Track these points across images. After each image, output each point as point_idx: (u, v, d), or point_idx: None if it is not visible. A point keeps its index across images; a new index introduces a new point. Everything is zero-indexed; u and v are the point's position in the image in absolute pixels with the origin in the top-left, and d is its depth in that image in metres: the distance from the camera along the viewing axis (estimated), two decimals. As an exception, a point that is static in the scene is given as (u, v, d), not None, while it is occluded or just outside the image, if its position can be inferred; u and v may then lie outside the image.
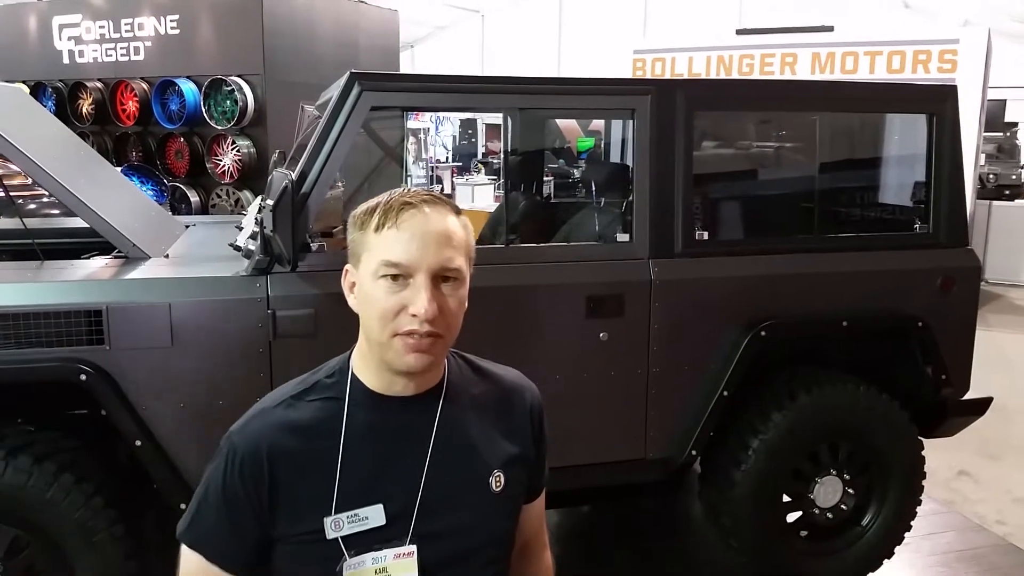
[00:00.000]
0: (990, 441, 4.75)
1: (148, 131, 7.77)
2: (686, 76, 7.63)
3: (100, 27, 7.87)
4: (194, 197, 7.54)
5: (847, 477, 3.13)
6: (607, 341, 2.86)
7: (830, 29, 8.05)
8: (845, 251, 3.14)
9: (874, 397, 3.09)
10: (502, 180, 3.46)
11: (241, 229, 3.18)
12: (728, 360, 2.95)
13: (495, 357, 2.74)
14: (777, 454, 3.00)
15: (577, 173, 4.63)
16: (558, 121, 4.81)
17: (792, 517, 3.14)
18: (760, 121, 3.90)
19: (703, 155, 3.50)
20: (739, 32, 8.11)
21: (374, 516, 1.21)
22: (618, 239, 2.95)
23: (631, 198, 2.92)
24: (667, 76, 7.62)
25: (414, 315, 1.17)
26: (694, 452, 3.00)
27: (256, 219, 2.72)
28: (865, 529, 3.19)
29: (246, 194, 7.36)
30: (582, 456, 2.96)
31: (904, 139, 3.67)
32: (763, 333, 2.93)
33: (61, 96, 7.90)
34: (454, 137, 14.10)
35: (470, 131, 14.02)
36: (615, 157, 4.55)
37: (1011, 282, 9.96)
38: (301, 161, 2.66)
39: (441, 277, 1.20)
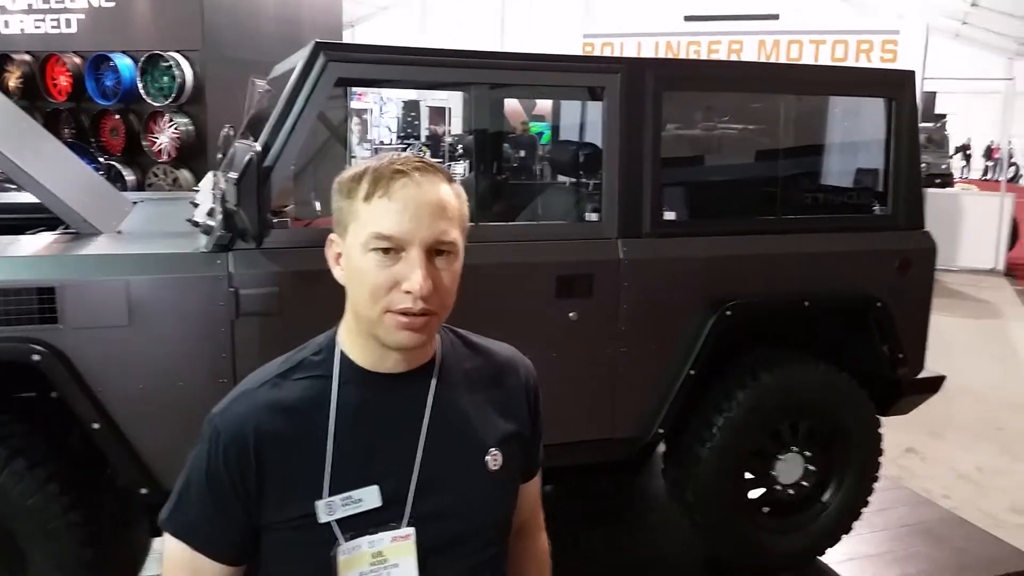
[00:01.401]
0: (934, 420, 4.91)
1: (81, 107, 7.44)
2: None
3: (28, -3, 7.50)
4: (130, 176, 7.26)
5: (808, 454, 3.18)
6: (576, 321, 2.84)
7: (775, 17, 8.19)
8: (807, 232, 3.18)
9: (834, 376, 3.15)
10: (450, 157, 3.40)
11: (196, 205, 3.06)
12: (695, 339, 2.96)
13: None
14: (740, 432, 3.03)
15: (532, 158, 4.61)
16: (504, 107, 4.78)
17: (755, 494, 3.19)
18: (726, 102, 3.93)
19: (671, 136, 3.51)
20: (687, 18, 8.19)
21: (369, 498, 1.15)
22: (587, 219, 2.93)
23: (600, 178, 2.90)
24: (616, 60, 7.66)
25: (407, 292, 1.10)
26: (661, 431, 3.01)
27: (215, 194, 2.62)
28: (825, 505, 3.25)
29: (184, 173, 7.13)
30: (549, 436, 2.90)
31: (864, 123, 3.74)
32: (728, 313, 2.95)
33: (-14, 69, 7.52)
34: (398, 119, 13.93)
35: (413, 113, 13.87)
36: (567, 140, 4.53)
37: (945, 267, 10.33)
38: (264, 133, 2.56)
39: (435, 251, 1.13)
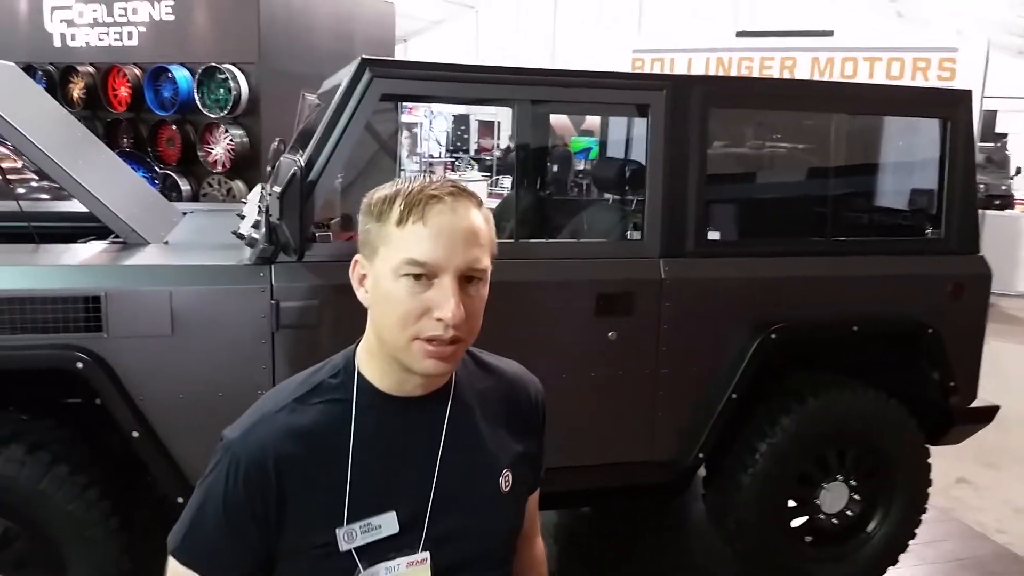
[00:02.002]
0: (988, 450, 4.74)
1: (140, 118, 7.64)
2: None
3: (93, 10, 7.73)
4: (185, 185, 7.42)
5: (853, 483, 3.09)
6: (616, 340, 2.81)
7: (830, 34, 8.05)
8: (857, 255, 3.10)
9: (882, 403, 3.06)
10: (504, 172, 3.39)
11: (243, 217, 3.10)
12: (737, 362, 2.91)
13: (502, 354, 2.69)
14: (784, 458, 2.96)
15: (572, 173, 4.59)
16: (552, 122, 4.76)
17: (797, 522, 3.10)
18: (774, 121, 3.86)
19: (717, 154, 3.46)
20: (739, 34, 8.09)
21: (387, 524, 1.14)
22: (629, 237, 2.89)
23: (643, 195, 2.87)
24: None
25: (439, 319, 1.08)
26: (701, 455, 2.95)
27: (260, 207, 2.65)
28: (870, 535, 3.16)
29: (238, 184, 7.26)
30: (587, 456, 2.91)
31: (918, 143, 3.64)
32: (773, 336, 2.89)
33: (52, 80, 7.75)
34: (447, 133, 14.01)
35: (463, 127, 13.95)
36: (613, 156, 4.49)
37: (1003, 292, 10.00)
38: (309, 148, 2.59)
39: (466, 278, 1.11)
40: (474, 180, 10.96)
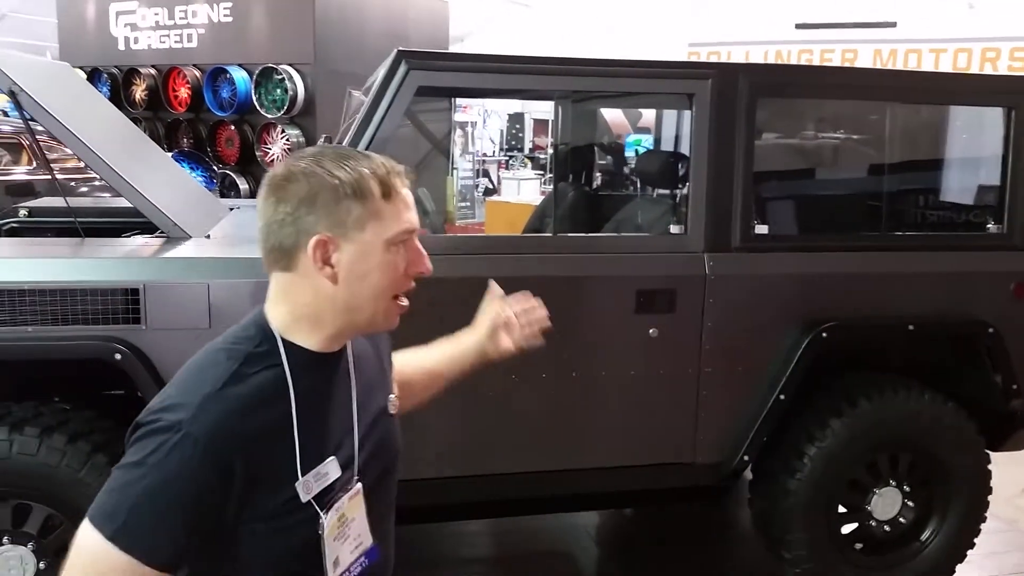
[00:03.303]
0: (1057, 458, 4.51)
1: (200, 118, 7.82)
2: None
3: (155, 14, 7.95)
4: (243, 184, 7.57)
5: (907, 489, 2.97)
6: (657, 338, 2.74)
7: (892, 25, 7.79)
8: (912, 251, 2.97)
9: (939, 406, 2.92)
10: (551, 169, 3.36)
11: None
12: (786, 362, 2.81)
13: (539, 350, 2.64)
14: (834, 463, 2.85)
15: (626, 169, 4.51)
16: (608, 118, 4.70)
17: (847, 529, 2.99)
18: (826, 111, 3.73)
19: (765, 145, 3.35)
20: (799, 26, 7.88)
21: (332, 469, 1.23)
22: (671, 231, 2.82)
23: (686, 189, 2.79)
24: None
25: (419, 273, 1.25)
26: (747, 458, 2.86)
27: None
28: (924, 544, 3.02)
29: (293, 182, 7.36)
30: (627, 457, 2.85)
31: (980, 134, 3.48)
32: (824, 335, 2.78)
33: (116, 82, 7.99)
34: (501, 131, 14.02)
35: (517, 126, 13.93)
36: (644, 159, 4.40)
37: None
38: (346, 141, 2.59)
39: None
40: (527, 178, 10.94)
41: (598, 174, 4.32)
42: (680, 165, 3.26)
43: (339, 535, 1.25)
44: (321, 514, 1.20)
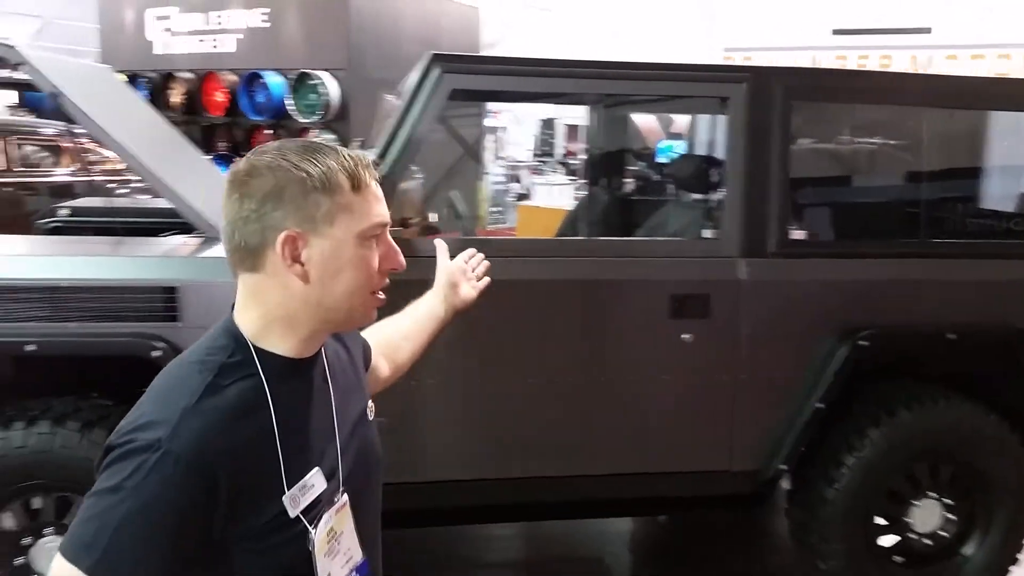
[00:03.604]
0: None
1: (236, 122, 7.90)
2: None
3: (192, 19, 8.05)
4: (277, 188, 7.64)
5: (948, 501, 2.90)
6: (691, 343, 2.71)
7: (927, 31, 7.69)
8: (952, 258, 2.91)
9: (980, 417, 2.85)
10: (584, 173, 3.36)
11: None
12: (823, 370, 2.76)
13: (571, 354, 2.61)
14: (872, 473, 2.79)
15: (658, 175, 4.49)
16: (641, 124, 4.68)
17: (887, 541, 2.93)
18: (862, 116, 3.68)
19: (800, 149, 3.31)
20: (836, 32, 7.80)
21: (318, 481, 1.18)
22: (706, 235, 2.79)
23: (721, 192, 2.77)
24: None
25: (392, 268, 1.20)
26: (784, 466, 2.82)
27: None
28: (967, 559, 2.95)
29: (327, 188, 7.42)
30: (660, 463, 2.82)
31: (1020, 140, 3.40)
32: (863, 343, 2.73)
33: (153, 86, 8.11)
34: (534, 137, 14.02)
35: (549, 131, 13.93)
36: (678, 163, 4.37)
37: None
38: (380, 143, 2.60)
39: None
40: (559, 184, 10.91)
41: (631, 179, 4.30)
42: (714, 169, 3.24)
43: (329, 550, 1.19)
44: (310, 529, 1.15)
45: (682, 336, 2.69)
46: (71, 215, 3.42)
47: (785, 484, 3.03)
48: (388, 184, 2.54)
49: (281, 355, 1.16)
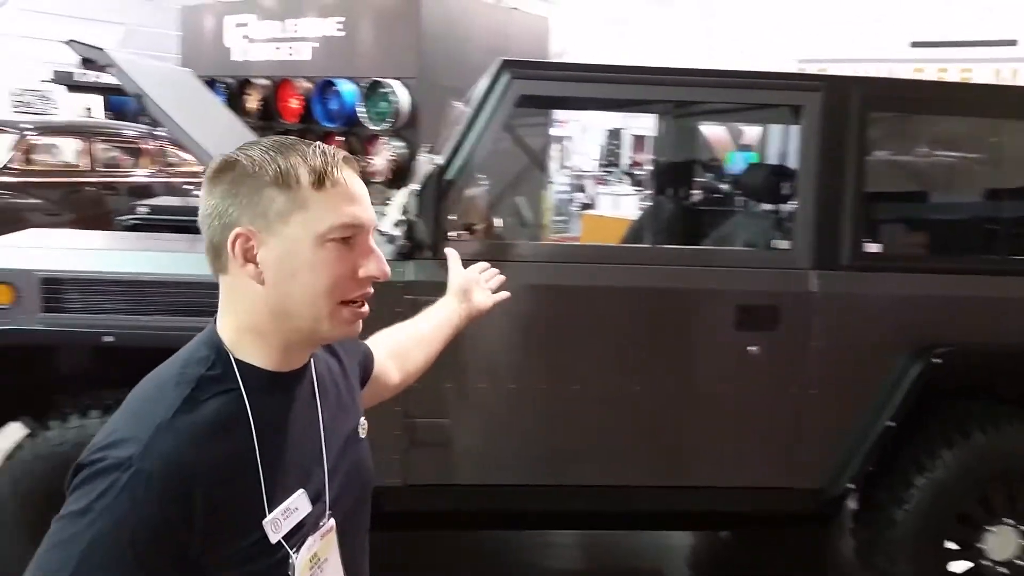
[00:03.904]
0: None
1: (310, 129, 8.05)
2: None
3: (269, 26, 8.25)
4: (345, 193, 7.77)
5: (1026, 529, 2.78)
6: (757, 356, 2.66)
7: (1012, 43, 7.42)
8: (1036, 275, 2.79)
9: (1062, 441, 2.73)
10: (651, 182, 3.33)
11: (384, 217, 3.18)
12: (895, 387, 2.68)
13: (634, 361, 2.59)
14: (944, 495, 2.70)
15: (726, 185, 4.43)
16: (709, 136, 4.63)
17: (958, 567, 2.82)
18: (943, 128, 3.57)
19: (877, 160, 3.23)
20: (914, 44, 7.59)
21: (302, 504, 1.10)
22: (776, 246, 2.74)
23: (791, 203, 2.72)
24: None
25: (372, 276, 1.08)
26: (850, 485, 2.74)
27: (401, 206, 2.71)
28: (1046, 590, 2.82)
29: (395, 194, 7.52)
30: (722, 477, 2.78)
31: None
32: (938, 360, 2.64)
33: (231, 92, 8.33)
34: (601, 147, 14.00)
35: (615, 142, 13.88)
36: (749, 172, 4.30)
37: None
38: (447, 148, 2.62)
39: None
40: (625, 194, 10.86)
41: (698, 190, 4.25)
42: (785, 179, 3.18)
43: None
44: (292, 554, 1.06)
45: (748, 348, 2.64)
46: (150, 213, 3.54)
47: (852, 503, 2.95)
48: (453, 189, 2.58)
49: (262, 368, 1.08)
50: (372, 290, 1.10)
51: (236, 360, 1.07)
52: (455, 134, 2.62)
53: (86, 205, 8.04)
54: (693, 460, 2.75)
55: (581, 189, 12.19)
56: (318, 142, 1.11)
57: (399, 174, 7.45)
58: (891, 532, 2.74)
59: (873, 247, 2.77)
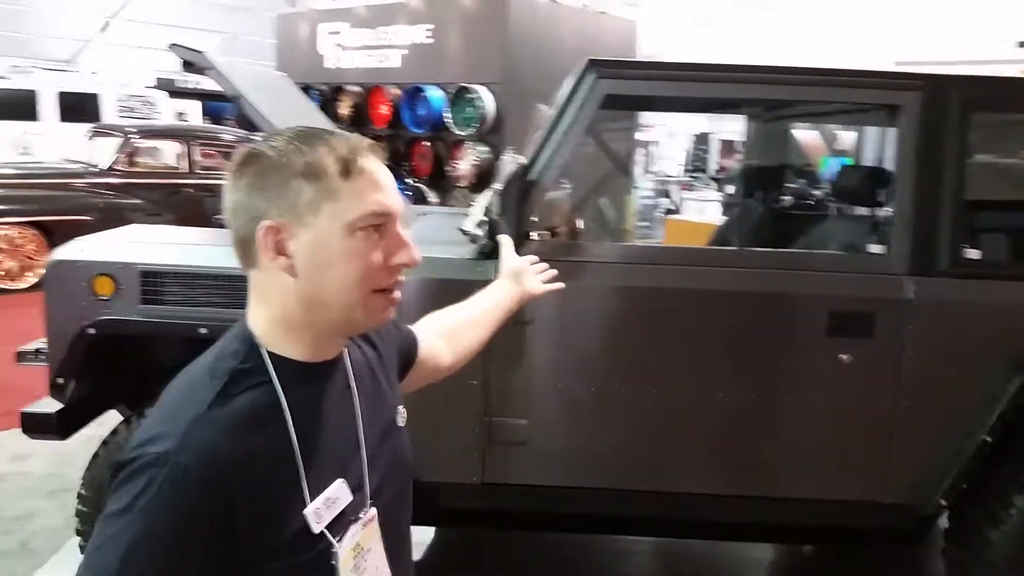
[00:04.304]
0: None
1: (398, 134, 8.21)
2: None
3: (361, 35, 8.45)
4: (432, 198, 7.89)
5: None
6: (849, 364, 2.57)
7: None
8: None
9: None
10: (740, 186, 3.25)
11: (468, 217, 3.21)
12: (993, 400, 2.55)
13: (720, 366, 2.53)
14: (1046, 517, 2.55)
15: (817, 190, 4.30)
16: (803, 140, 4.51)
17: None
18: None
19: (979, 163, 3.08)
20: (1022, 44, 7.24)
21: (342, 493, 1.09)
22: (871, 251, 2.65)
23: (888, 206, 2.62)
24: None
25: (403, 264, 1.08)
26: (944, 502, 2.62)
27: (484, 206, 2.73)
28: None
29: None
30: (808, 490, 2.69)
31: None
32: (1042, 372, 2.50)
33: (325, 98, 8.57)
34: (686, 152, 13.82)
35: (703, 147, 13.69)
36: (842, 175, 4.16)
37: None
38: (532, 147, 2.63)
39: None
40: (711, 200, 10.70)
41: (789, 194, 4.15)
42: (879, 182, 3.07)
43: (355, 567, 1.10)
44: (334, 543, 1.06)
45: (841, 356, 2.56)
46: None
47: (944, 522, 2.82)
48: (536, 190, 2.58)
49: (295, 359, 1.08)
50: (404, 278, 1.10)
51: (269, 352, 1.07)
52: (540, 134, 2.62)
53: (185, 206, 8.39)
54: (778, 470, 2.68)
55: (666, 194, 12.06)
56: (341, 130, 1.11)
57: (483, 178, 7.53)
58: (985, 554, 2.60)
59: (972, 253, 2.64)
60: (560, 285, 1.90)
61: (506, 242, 1.97)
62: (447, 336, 1.59)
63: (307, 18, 8.92)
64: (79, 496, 2.81)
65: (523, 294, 1.85)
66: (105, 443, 2.83)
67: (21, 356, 2.98)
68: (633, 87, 2.63)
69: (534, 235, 2.60)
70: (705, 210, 9.92)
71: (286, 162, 1.03)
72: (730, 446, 2.67)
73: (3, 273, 7.80)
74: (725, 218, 6.90)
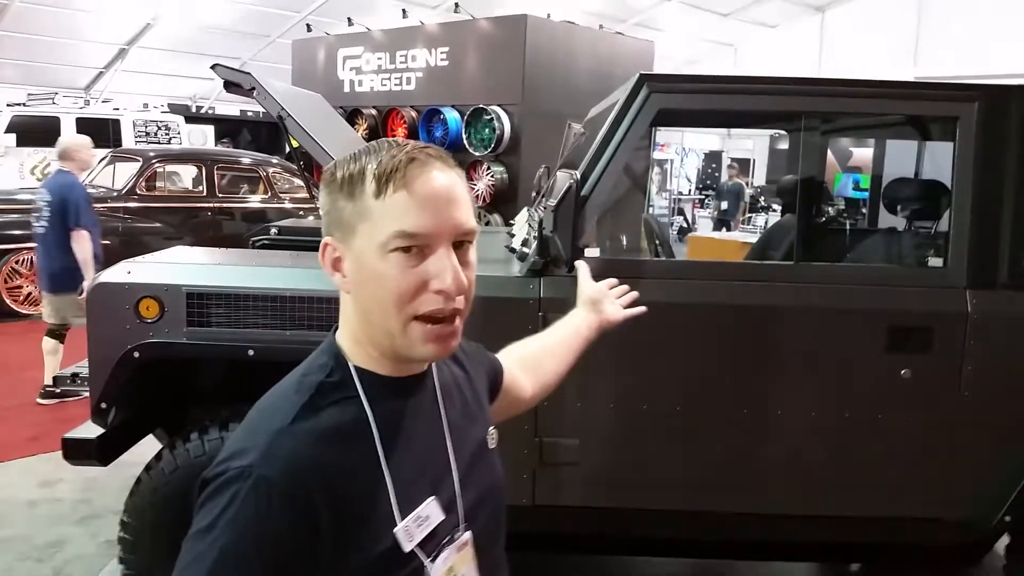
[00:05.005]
0: None
1: (415, 156, 8.22)
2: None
3: (378, 58, 8.50)
4: (450, 216, 7.88)
5: None
6: (909, 379, 2.52)
7: None
8: None
9: None
10: (797, 192, 3.20)
11: (513, 236, 3.18)
12: (1056, 414, 2.50)
13: (780, 383, 2.47)
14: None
15: (832, 210, 4.26)
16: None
17: None
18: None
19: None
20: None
21: (433, 512, 1.05)
22: (930, 264, 2.60)
23: (947, 219, 2.58)
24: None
25: (439, 292, 0.99)
26: (1008, 518, 2.56)
27: (531, 224, 2.69)
28: None
29: (495, 217, 7.59)
30: (868, 507, 2.63)
31: None
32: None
33: (340, 121, 8.60)
34: (698, 169, 13.84)
35: (714, 165, 13.71)
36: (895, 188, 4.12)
37: None
38: (583, 163, 2.60)
39: (456, 243, 1.02)
40: (727, 218, 10.68)
41: (828, 208, 4.11)
42: (931, 193, 3.03)
43: None
44: (427, 564, 1.02)
45: (901, 371, 2.51)
46: (279, 233, 3.63)
47: (1005, 538, 2.76)
48: (590, 205, 2.54)
49: (380, 374, 1.06)
50: (453, 305, 1.01)
51: (355, 367, 1.05)
52: (591, 148, 2.58)
53: (204, 228, 8.39)
54: (839, 488, 2.62)
55: (680, 212, 12.04)
56: (409, 141, 1.06)
57: (498, 198, 7.53)
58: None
59: (1035, 266, 2.59)
60: (642, 309, 1.77)
61: (583, 268, 1.85)
62: (527, 368, 1.54)
63: (325, 42, 8.97)
64: (122, 523, 2.75)
65: (603, 322, 1.73)
66: (148, 468, 2.78)
67: (57, 381, 2.95)
68: (687, 101, 2.61)
69: (589, 251, 2.56)
70: (721, 227, 9.90)
71: (334, 180, 1.02)
72: (788, 465, 2.61)
73: (24, 298, 7.78)
74: (747, 233, 6.85)
